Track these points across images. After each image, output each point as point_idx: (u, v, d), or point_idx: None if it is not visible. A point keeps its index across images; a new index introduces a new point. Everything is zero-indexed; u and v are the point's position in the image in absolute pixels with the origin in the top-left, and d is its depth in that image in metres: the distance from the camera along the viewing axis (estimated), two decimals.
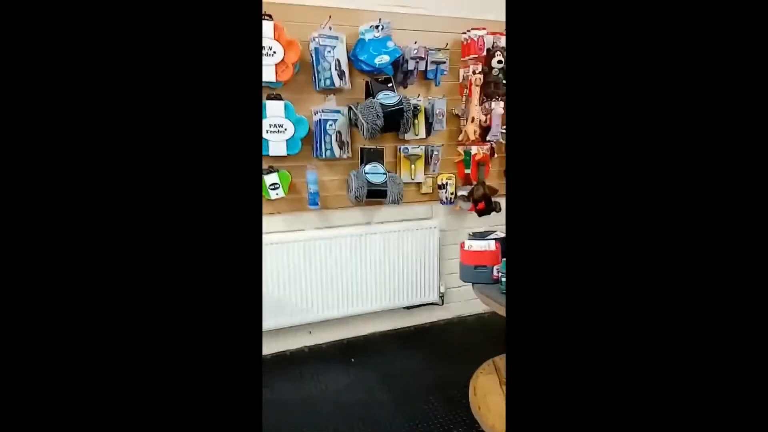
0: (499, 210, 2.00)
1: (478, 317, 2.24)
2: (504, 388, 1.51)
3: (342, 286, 1.87)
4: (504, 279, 1.27)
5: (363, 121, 1.65)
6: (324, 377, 1.69)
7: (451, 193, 2.00)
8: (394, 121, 1.71)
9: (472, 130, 1.91)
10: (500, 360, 1.72)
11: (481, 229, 1.77)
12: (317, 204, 1.75)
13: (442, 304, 2.16)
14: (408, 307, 2.09)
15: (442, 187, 1.99)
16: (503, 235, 1.54)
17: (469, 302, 2.19)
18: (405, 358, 1.82)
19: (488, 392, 1.50)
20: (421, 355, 1.85)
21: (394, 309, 2.03)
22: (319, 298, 1.84)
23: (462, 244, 1.44)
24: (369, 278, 1.91)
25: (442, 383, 1.61)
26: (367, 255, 1.88)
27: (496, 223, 2.06)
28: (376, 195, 1.76)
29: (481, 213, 1.99)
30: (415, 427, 1.37)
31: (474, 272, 1.40)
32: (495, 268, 1.37)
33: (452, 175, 1.99)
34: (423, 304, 2.10)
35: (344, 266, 1.85)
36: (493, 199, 1.98)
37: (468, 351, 1.83)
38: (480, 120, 1.92)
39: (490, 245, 1.43)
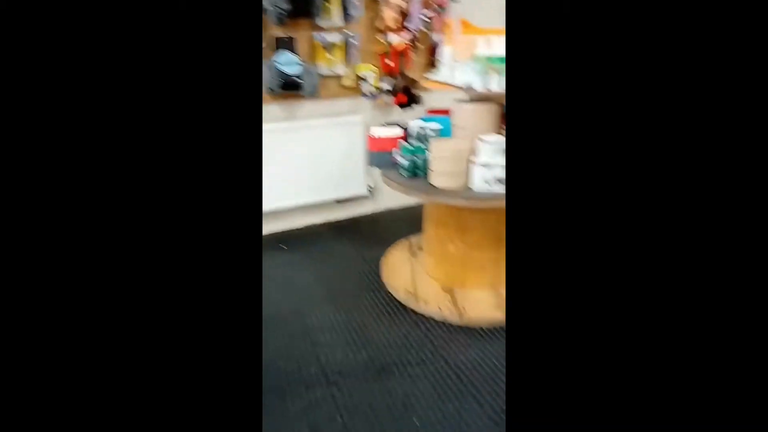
0: (420, 102, 2.05)
1: (405, 208, 2.42)
2: (413, 259, 1.74)
3: (269, 180, 1.94)
4: (402, 160, 1.39)
5: (267, 5, 1.56)
6: None
7: (375, 87, 2.00)
8: (304, 4, 1.62)
9: (390, 16, 1.85)
10: (414, 238, 1.94)
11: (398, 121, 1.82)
12: None
13: (372, 196, 2.30)
14: (339, 201, 2.22)
15: (363, 79, 1.98)
16: (413, 123, 1.61)
17: (397, 195, 2.35)
18: (334, 244, 2.01)
19: (398, 261, 1.72)
20: (349, 241, 2.04)
21: (325, 202, 2.16)
22: None
23: (370, 132, 1.52)
24: (297, 173, 1.99)
25: (362, 260, 1.82)
26: (292, 150, 1.93)
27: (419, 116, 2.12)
28: (291, 87, 1.75)
29: (402, 106, 2.03)
30: (331, 292, 1.59)
31: (378, 157, 1.50)
32: (395, 151, 1.47)
33: (373, 66, 1.97)
34: (353, 198, 2.23)
35: (269, 162, 1.91)
36: (414, 91, 2.01)
37: (393, 236, 2.03)
38: (399, 6, 1.85)
39: (395, 132, 1.51)
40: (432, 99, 2.13)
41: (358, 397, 1.13)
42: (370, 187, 2.25)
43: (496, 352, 1.28)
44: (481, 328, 1.38)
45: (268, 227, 2.13)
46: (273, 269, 1.79)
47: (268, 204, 1.98)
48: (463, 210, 1.40)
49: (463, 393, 1.14)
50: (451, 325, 1.40)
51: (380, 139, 1.49)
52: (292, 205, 2.04)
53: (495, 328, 1.38)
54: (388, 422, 1.06)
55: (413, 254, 1.78)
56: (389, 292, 1.57)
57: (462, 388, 1.16)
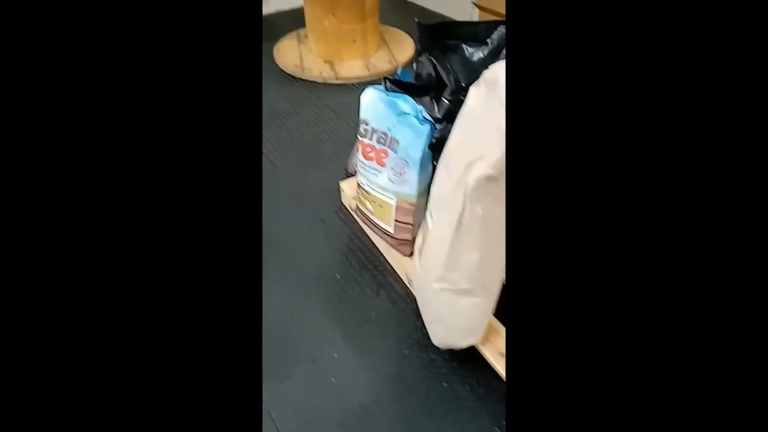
0: None
1: (295, 10, 2.58)
2: (301, 44, 2.05)
3: None
4: None
5: None
6: None
7: None
8: None
9: None
10: (303, 30, 2.21)
11: None
12: None
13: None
14: None
15: None
16: None
17: None
18: None
19: (288, 47, 2.03)
20: None
21: None
22: None
23: None
24: None
25: None
26: None
27: None
28: None
29: None
30: None
31: None
32: None
33: None
34: None
35: None
36: None
37: (284, 32, 2.25)
38: None
39: None
40: None
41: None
42: None
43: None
44: (353, 84, 1.84)
45: None
46: None
47: None
48: None
49: (335, 119, 1.65)
50: (330, 84, 1.83)
51: None
52: None
53: (362, 83, 1.84)
54: (276, 141, 1.55)
55: (301, 41, 2.09)
56: (282, 70, 1.92)
57: (334, 116, 1.66)
